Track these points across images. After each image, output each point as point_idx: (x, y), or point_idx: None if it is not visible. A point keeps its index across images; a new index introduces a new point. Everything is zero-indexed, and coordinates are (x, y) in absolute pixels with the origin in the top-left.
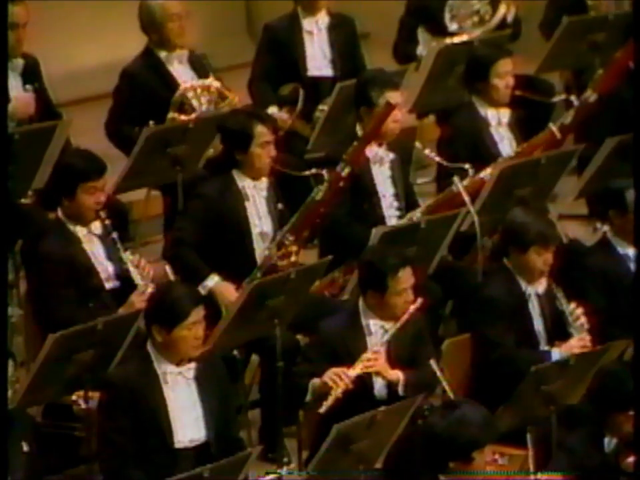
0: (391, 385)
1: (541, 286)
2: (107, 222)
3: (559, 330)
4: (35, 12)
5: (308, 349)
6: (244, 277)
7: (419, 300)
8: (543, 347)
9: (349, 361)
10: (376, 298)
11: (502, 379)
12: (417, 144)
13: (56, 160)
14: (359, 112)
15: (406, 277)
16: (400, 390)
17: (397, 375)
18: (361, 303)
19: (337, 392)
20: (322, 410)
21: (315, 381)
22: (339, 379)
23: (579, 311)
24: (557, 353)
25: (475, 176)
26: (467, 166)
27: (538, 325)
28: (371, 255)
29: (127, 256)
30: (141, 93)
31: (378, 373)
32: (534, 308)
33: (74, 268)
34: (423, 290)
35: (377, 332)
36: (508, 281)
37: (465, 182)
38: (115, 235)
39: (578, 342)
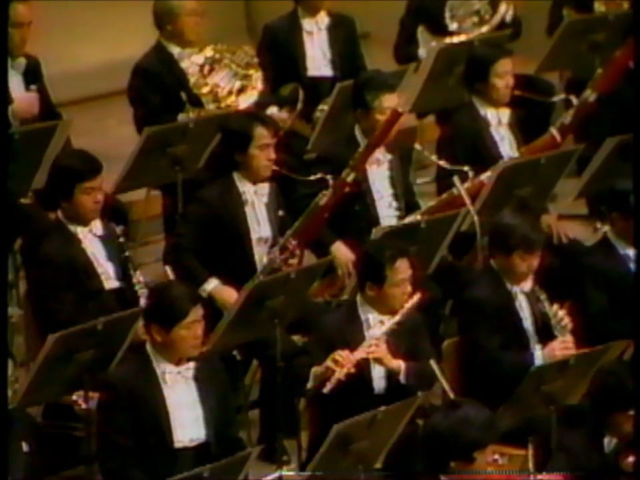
0: (391, 375)
1: (527, 285)
2: (119, 233)
3: (549, 327)
4: (36, 12)
5: (307, 343)
6: (243, 282)
7: (418, 293)
8: (533, 345)
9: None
10: (374, 290)
11: (488, 381)
12: (417, 146)
13: (52, 162)
14: (356, 114)
15: (403, 268)
16: (402, 378)
17: (399, 363)
18: (358, 297)
19: (340, 374)
20: (326, 390)
21: (317, 368)
22: (342, 360)
23: (562, 312)
24: (539, 355)
25: (475, 178)
26: (466, 168)
27: (527, 323)
28: (368, 247)
29: (138, 276)
30: (154, 88)
31: (379, 360)
32: (522, 307)
33: (73, 269)
34: (423, 289)
35: (376, 326)
36: (494, 281)
37: (466, 185)
38: (127, 253)
39: (560, 344)
